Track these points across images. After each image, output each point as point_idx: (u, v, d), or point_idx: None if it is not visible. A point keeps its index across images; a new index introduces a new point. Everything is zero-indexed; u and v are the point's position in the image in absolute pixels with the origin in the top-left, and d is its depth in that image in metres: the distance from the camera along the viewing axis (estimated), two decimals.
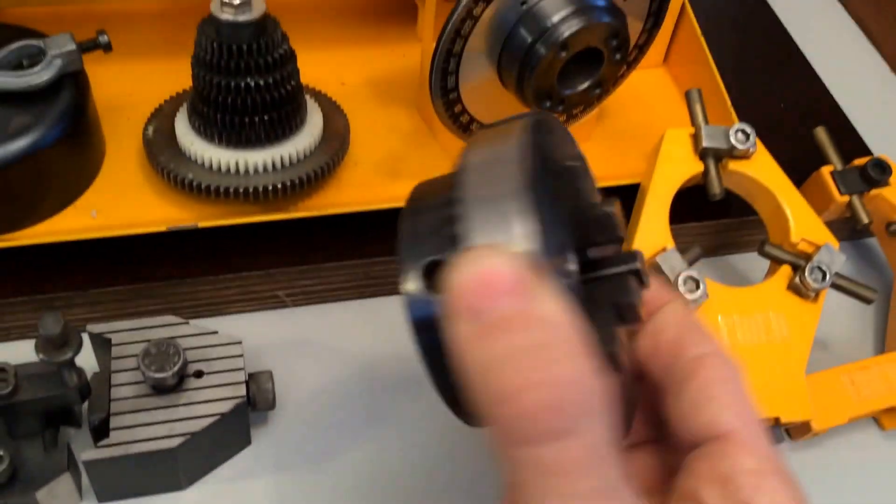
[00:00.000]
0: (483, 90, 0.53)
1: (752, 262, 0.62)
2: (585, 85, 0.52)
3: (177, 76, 0.58)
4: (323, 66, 0.61)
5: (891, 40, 0.80)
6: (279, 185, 0.53)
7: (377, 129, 0.61)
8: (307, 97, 0.57)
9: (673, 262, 0.49)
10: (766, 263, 0.54)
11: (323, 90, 0.60)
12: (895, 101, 0.78)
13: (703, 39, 0.64)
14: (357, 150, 0.59)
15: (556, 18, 0.48)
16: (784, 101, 0.70)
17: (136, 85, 0.59)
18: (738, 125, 0.54)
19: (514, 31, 0.50)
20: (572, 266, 0.28)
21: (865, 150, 0.67)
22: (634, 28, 0.54)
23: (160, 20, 0.64)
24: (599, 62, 0.51)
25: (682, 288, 0.48)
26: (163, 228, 0.50)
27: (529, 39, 0.49)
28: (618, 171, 0.60)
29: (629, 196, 0.55)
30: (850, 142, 0.67)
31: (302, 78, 0.54)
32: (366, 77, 0.64)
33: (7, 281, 0.50)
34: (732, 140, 0.53)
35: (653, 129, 0.62)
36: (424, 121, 0.62)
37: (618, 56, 0.51)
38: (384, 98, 0.63)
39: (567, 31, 0.48)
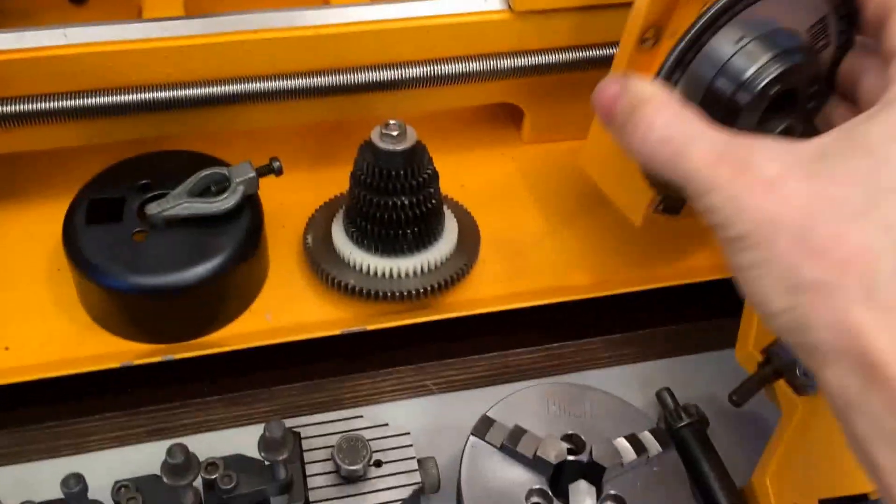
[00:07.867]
0: None
1: None
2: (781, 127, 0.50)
3: (321, 185, 0.66)
4: (444, 170, 0.68)
5: None
6: (427, 288, 0.60)
7: (498, 229, 0.68)
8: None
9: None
10: None
11: (448, 194, 0.67)
12: None
13: None
14: (482, 249, 0.66)
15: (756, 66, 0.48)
16: None
17: (287, 195, 0.66)
18: None
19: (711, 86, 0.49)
20: None
21: None
22: None
23: (306, 137, 0.72)
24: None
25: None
26: (336, 332, 0.58)
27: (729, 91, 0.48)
28: None
29: None
30: None
31: None
32: (482, 179, 0.71)
33: (203, 383, 0.57)
34: None
35: None
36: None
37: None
38: (499, 198, 0.70)
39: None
